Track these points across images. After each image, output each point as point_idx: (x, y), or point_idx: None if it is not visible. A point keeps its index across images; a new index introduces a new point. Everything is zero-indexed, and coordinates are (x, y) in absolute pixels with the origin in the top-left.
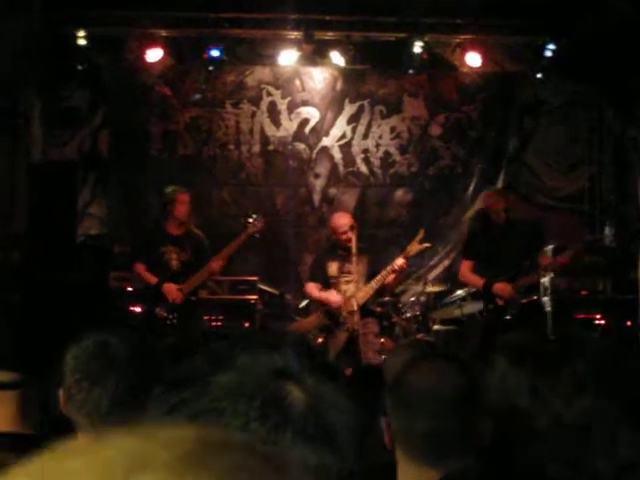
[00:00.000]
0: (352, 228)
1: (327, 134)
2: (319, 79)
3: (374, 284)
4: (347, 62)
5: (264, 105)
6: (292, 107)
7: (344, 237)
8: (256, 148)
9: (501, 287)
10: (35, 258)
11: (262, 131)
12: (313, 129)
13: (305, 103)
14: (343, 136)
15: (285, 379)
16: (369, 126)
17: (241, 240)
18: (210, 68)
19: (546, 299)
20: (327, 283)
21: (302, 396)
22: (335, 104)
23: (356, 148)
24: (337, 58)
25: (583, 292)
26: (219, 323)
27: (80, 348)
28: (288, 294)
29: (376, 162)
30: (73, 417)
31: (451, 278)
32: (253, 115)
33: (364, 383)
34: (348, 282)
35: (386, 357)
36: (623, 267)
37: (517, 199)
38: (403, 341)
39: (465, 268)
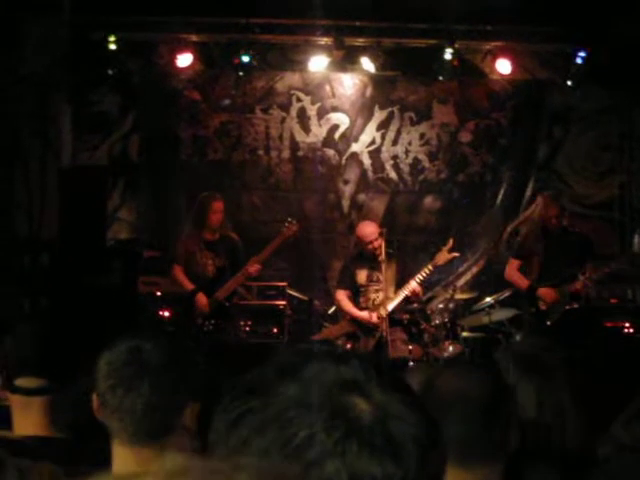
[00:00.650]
0: (380, 235)
1: (356, 140)
2: (349, 85)
3: (402, 292)
4: (377, 68)
5: (294, 111)
6: (322, 113)
7: (370, 246)
8: (285, 154)
9: (546, 292)
10: (65, 262)
11: (292, 137)
12: (343, 135)
13: (335, 109)
14: (372, 142)
15: (351, 391)
16: (399, 132)
17: (277, 244)
18: (240, 73)
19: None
20: (356, 291)
21: (368, 408)
22: (365, 110)
23: (385, 154)
24: (367, 64)
25: (612, 300)
26: (247, 328)
27: (113, 354)
28: (317, 300)
29: (405, 168)
30: (107, 422)
31: (480, 285)
32: (283, 121)
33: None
34: (377, 291)
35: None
36: None
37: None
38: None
39: (512, 267)
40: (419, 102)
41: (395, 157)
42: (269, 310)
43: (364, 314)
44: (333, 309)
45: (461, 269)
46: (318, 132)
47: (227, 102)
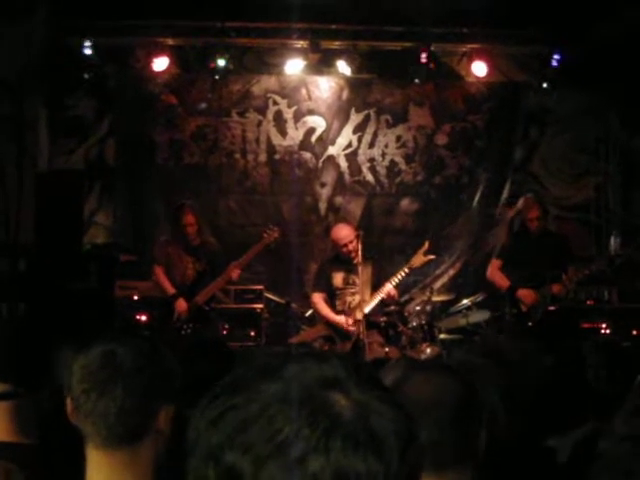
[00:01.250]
0: (357, 237)
1: (333, 143)
2: (325, 88)
3: (379, 294)
4: (353, 71)
5: (270, 114)
6: (298, 116)
7: (345, 249)
8: (262, 157)
9: (525, 293)
10: (41, 267)
11: (268, 140)
12: (319, 138)
13: (311, 112)
14: (349, 145)
15: (332, 388)
16: (375, 135)
17: (258, 250)
18: (216, 77)
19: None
20: (332, 294)
21: (349, 404)
22: (341, 113)
23: (362, 157)
24: (343, 67)
25: (589, 302)
26: (225, 332)
27: (87, 357)
28: (294, 303)
29: (382, 171)
30: (81, 426)
31: (457, 287)
32: (259, 124)
33: None
34: (353, 293)
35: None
36: (629, 277)
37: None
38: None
39: (494, 267)
40: (395, 105)
41: (372, 160)
42: (246, 313)
43: (340, 319)
44: (310, 312)
45: (438, 271)
46: (295, 135)
47: (203, 106)
